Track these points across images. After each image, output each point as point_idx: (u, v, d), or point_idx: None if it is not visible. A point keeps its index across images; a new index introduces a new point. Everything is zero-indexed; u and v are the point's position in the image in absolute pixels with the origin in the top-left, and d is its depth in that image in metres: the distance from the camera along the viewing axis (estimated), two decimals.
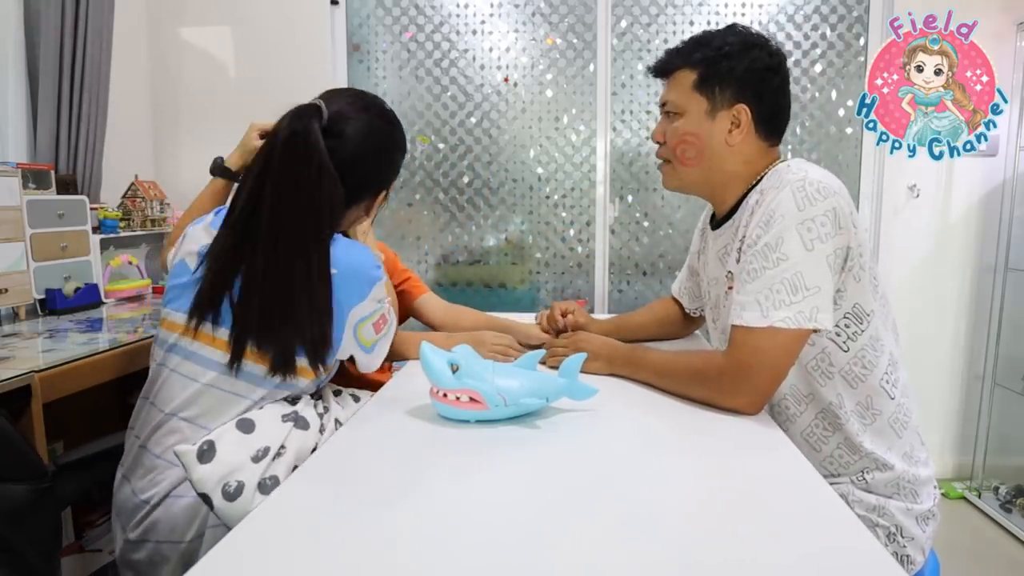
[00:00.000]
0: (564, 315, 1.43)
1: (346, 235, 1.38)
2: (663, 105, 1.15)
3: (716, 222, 1.19)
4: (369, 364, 1.09)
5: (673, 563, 0.59)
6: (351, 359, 1.08)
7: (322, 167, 0.97)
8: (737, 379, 0.98)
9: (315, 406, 1.04)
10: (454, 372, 0.93)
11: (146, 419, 1.01)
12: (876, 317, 1.04)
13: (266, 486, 0.91)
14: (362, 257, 1.03)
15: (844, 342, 1.03)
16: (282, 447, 0.95)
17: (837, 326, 1.02)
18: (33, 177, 1.86)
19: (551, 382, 0.97)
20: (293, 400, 1.02)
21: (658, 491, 0.74)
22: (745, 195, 1.11)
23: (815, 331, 0.99)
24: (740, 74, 1.07)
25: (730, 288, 1.10)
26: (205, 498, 0.88)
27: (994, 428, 2.51)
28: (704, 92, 1.09)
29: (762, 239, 0.99)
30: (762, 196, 1.03)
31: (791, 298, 0.95)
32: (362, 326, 1.04)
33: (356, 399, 1.14)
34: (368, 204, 1.12)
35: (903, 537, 1.04)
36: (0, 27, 1.98)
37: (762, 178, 1.09)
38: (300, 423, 0.99)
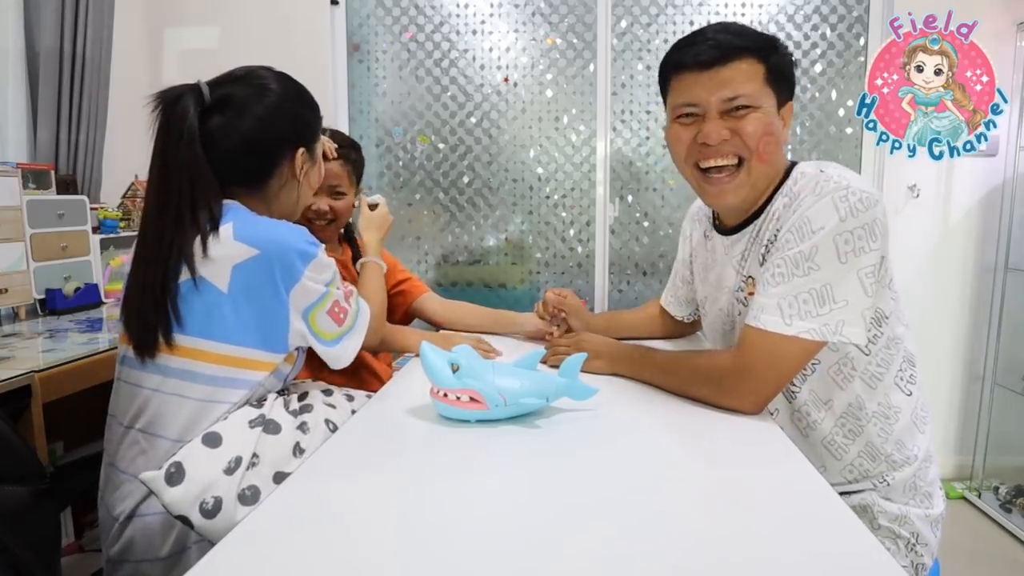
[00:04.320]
0: (559, 306, 1.45)
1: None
2: (731, 100, 1.00)
3: (728, 228, 1.14)
4: (334, 358, 1.06)
5: (674, 564, 0.59)
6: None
7: (185, 138, 0.96)
8: (741, 379, 0.97)
9: (288, 405, 1.02)
10: (454, 372, 0.93)
11: (111, 434, 1.00)
12: (892, 316, 1.03)
13: (246, 497, 0.89)
14: (285, 232, 0.99)
15: (866, 346, 1.02)
16: (255, 456, 0.93)
17: None
18: (33, 177, 1.86)
19: (551, 382, 0.97)
20: (259, 401, 0.99)
21: (658, 491, 0.74)
22: (768, 199, 1.06)
23: (838, 343, 0.97)
24: (791, 71, 1.05)
25: (750, 293, 1.06)
26: (183, 519, 0.86)
27: (994, 428, 2.51)
28: (773, 87, 1.02)
29: (796, 246, 0.95)
30: (792, 201, 0.99)
31: (818, 310, 0.93)
32: (315, 315, 1.01)
33: (350, 399, 1.13)
34: (290, 167, 1.07)
35: (919, 544, 1.04)
36: (0, 27, 1.98)
37: (782, 182, 1.05)
38: (269, 427, 0.96)
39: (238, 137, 1.01)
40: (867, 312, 0.94)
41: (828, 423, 1.06)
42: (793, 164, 1.07)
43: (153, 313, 0.94)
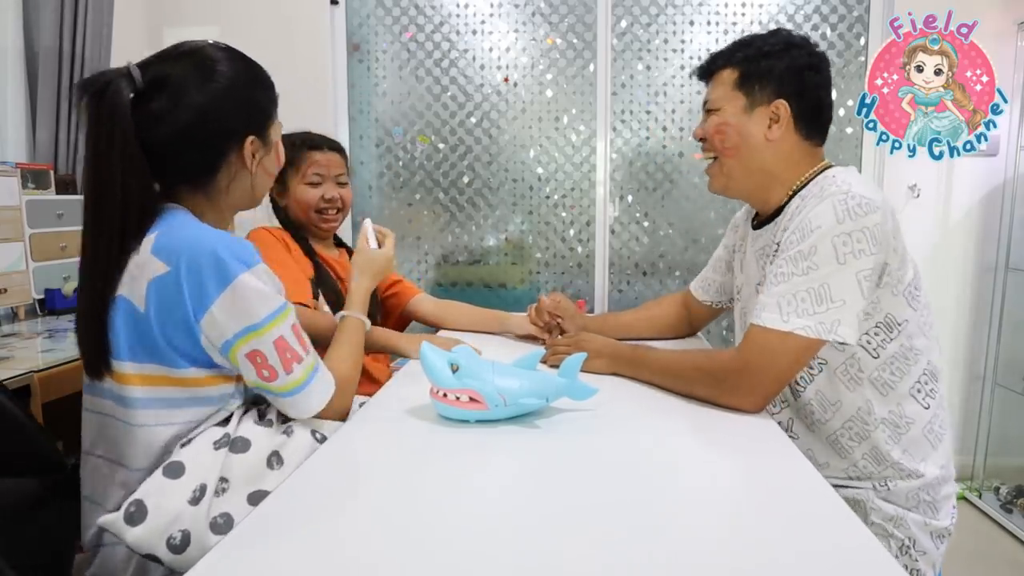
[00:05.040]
0: (553, 310, 1.44)
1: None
2: (704, 104, 1.18)
3: (758, 222, 1.19)
4: (288, 408, 0.92)
5: (673, 563, 0.59)
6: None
7: (117, 131, 0.83)
8: (743, 376, 0.98)
9: (263, 414, 0.94)
10: (454, 372, 0.93)
11: (81, 460, 0.94)
12: (911, 326, 1.04)
13: (219, 525, 0.81)
14: (206, 245, 0.83)
15: (874, 349, 1.03)
16: (224, 480, 0.84)
17: (867, 334, 1.03)
18: (32, 177, 1.86)
19: (551, 382, 0.97)
20: (225, 420, 0.90)
21: (658, 490, 0.74)
22: (789, 199, 1.10)
23: (835, 343, 0.98)
24: (780, 72, 1.09)
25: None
26: (151, 557, 0.80)
27: (994, 428, 2.51)
28: (744, 89, 1.11)
29: (796, 247, 0.98)
30: (803, 203, 1.03)
31: (815, 308, 0.95)
32: (237, 351, 0.85)
33: None
34: (238, 157, 0.94)
35: (915, 550, 1.04)
36: (0, 27, 1.98)
37: (806, 184, 1.09)
38: (236, 446, 0.87)
39: (177, 127, 0.87)
40: (861, 314, 0.97)
41: (835, 423, 1.07)
42: (827, 167, 1.11)
43: (93, 333, 0.86)
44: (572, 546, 0.62)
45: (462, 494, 0.74)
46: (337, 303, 1.45)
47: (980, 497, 2.45)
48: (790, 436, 1.12)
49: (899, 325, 1.03)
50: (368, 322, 1.17)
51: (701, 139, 1.17)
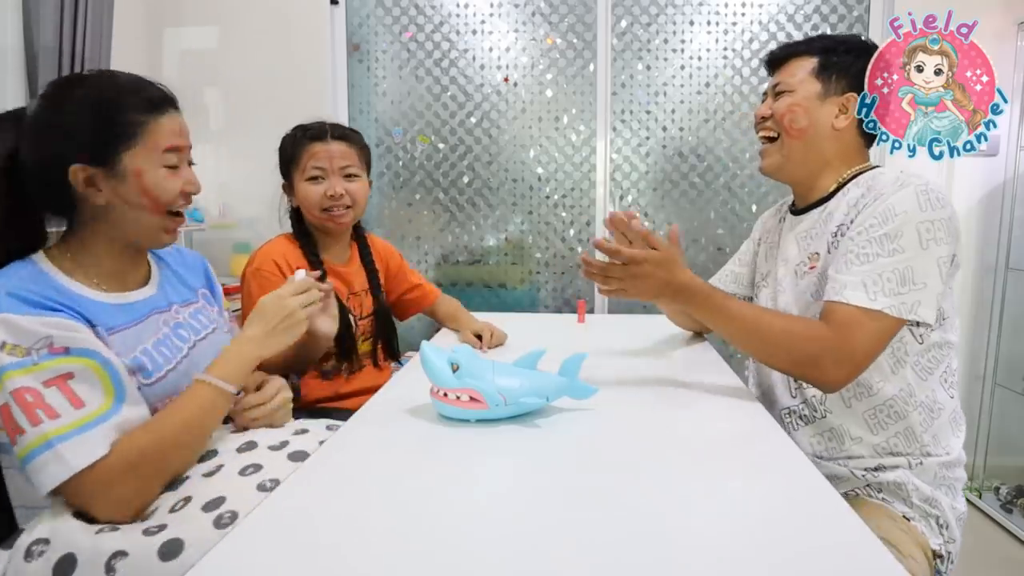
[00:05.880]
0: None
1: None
2: (774, 87, 1.21)
3: (798, 208, 1.24)
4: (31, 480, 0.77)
5: (675, 563, 0.59)
6: None
7: None
8: (843, 353, 0.99)
9: None
10: (454, 371, 0.93)
11: None
12: (948, 323, 1.08)
13: None
14: None
15: (920, 336, 1.07)
16: (41, 542, 0.74)
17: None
18: None
19: (551, 381, 0.97)
20: None
21: (659, 490, 0.74)
22: (839, 187, 1.16)
23: (915, 323, 1.02)
24: (858, 69, 1.17)
25: (812, 267, 1.15)
26: None
27: (994, 428, 2.51)
28: (820, 78, 1.17)
29: (879, 229, 1.02)
30: (868, 192, 1.07)
31: (899, 288, 0.99)
32: None
33: (296, 455, 0.91)
34: (82, 190, 0.88)
35: (948, 533, 1.08)
36: (0, 27, 1.98)
37: (856, 175, 1.15)
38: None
39: (25, 161, 0.89)
40: (939, 297, 1.01)
41: (876, 400, 1.09)
42: (875, 167, 1.17)
43: None
44: (572, 545, 0.62)
45: (462, 494, 0.74)
46: (341, 326, 1.33)
47: (980, 497, 2.45)
48: (824, 411, 1.11)
49: (943, 319, 1.08)
50: (231, 389, 0.90)
51: (764, 118, 1.21)
